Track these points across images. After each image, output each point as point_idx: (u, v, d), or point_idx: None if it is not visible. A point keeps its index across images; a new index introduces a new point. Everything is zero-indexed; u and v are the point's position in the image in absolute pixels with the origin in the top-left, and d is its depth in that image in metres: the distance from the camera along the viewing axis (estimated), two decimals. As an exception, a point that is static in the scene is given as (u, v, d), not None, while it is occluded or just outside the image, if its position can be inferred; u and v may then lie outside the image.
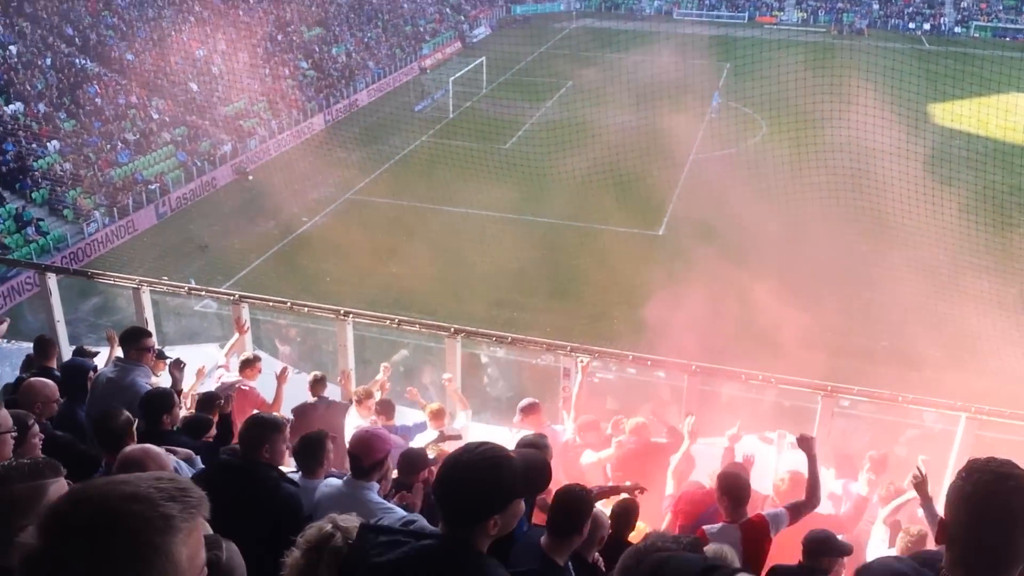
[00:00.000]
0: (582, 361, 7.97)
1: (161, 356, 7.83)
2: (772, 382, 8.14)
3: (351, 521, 3.20)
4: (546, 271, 24.61)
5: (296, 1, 49.12)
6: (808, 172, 22.60)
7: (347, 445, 5.56)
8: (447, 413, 8.14)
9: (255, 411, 7.40)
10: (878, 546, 6.76)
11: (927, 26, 60.01)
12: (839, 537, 5.51)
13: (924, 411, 8.46)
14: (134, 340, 6.33)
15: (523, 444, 4.98)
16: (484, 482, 2.59)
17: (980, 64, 31.82)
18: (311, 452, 5.11)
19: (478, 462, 2.62)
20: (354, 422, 8.22)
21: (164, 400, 5.75)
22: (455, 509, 2.61)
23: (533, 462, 2.83)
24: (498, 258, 25.40)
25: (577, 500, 4.24)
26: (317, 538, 3.00)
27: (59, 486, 2.61)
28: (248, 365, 8.42)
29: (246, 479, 4.50)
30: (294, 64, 43.90)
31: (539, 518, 4.87)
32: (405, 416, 8.95)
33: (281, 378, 8.18)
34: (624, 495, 5.72)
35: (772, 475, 8.33)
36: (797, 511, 5.64)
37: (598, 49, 28.64)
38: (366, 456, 4.61)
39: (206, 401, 6.70)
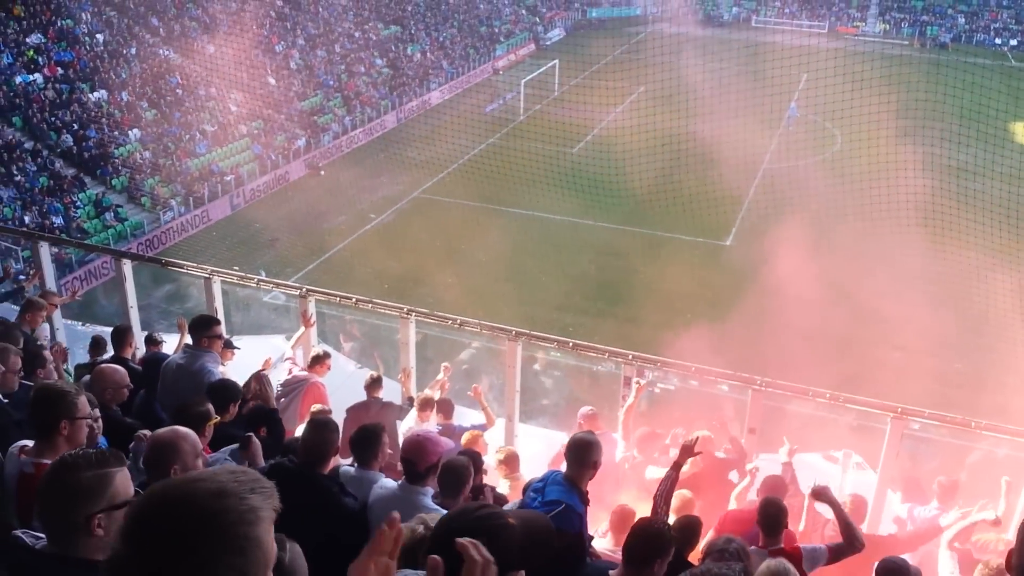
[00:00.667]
0: (638, 382, 7.85)
1: (229, 345, 7.99)
2: (839, 400, 7.95)
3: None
4: (610, 277, 24.48)
5: (373, -1, 49.80)
6: (882, 188, 22.05)
7: (399, 448, 5.58)
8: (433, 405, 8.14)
9: (316, 409, 7.46)
10: (945, 573, 6.56)
11: (1014, 42, 58.04)
12: (911, 564, 5.37)
13: (996, 436, 8.16)
14: (204, 328, 6.46)
15: (573, 441, 4.93)
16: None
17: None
18: (367, 443, 5.19)
19: (473, 527, 2.35)
20: (409, 421, 8.29)
21: (231, 390, 5.84)
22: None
23: (535, 529, 2.62)
24: (562, 262, 25.36)
25: (657, 535, 4.21)
26: (410, 540, 2.99)
27: (123, 475, 2.67)
28: (318, 361, 8.49)
29: (307, 487, 4.45)
30: (369, 61, 44.49)
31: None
32: (465, 417, 8.99)
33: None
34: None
35: (837, 494, 8.17)
36: (838, 554, 5.49)
37: (673, 54, 28.32)
38: (420, 460, 4.62)
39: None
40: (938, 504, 7.42)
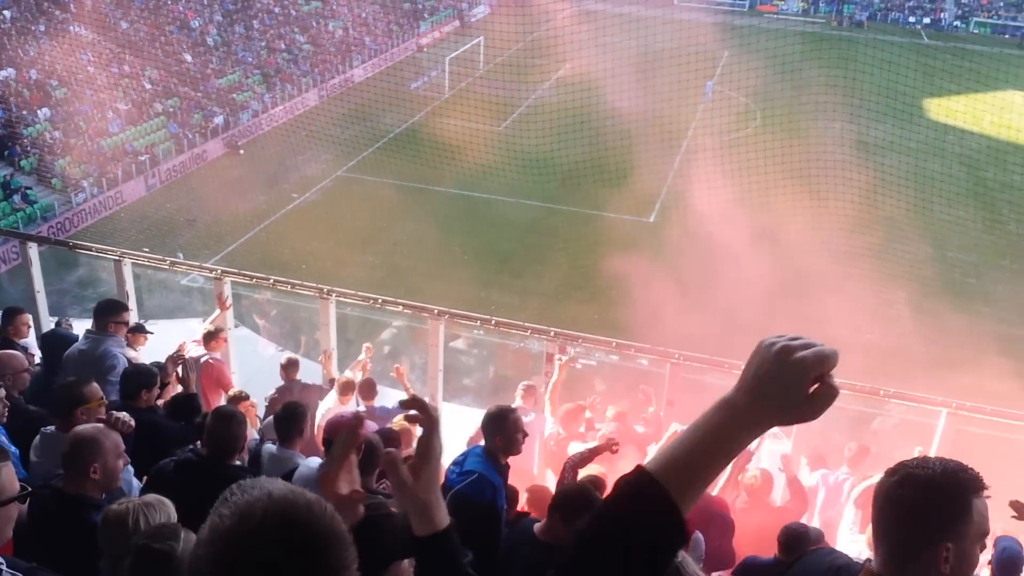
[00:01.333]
0: (560, 359, 7.92)
1: (140, 330, 7.76)
2: (736, 366, 8.13)
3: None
4: (535, 255, 24.59)
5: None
6: (800, 163, 22.57)
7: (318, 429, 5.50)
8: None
9: (232, 395, 7.32)
10: (847, 529, 6.83)
11: (927, 20, 59.89)
12: (811, 527, 5.55)
13: (894, 403, 8.47)
14: (109, 312, 6.25)
15: (486, 414, 5.03)
16: (359, 543, 2.41)
17: (978, 60, 31.81)
18: (290, 422, 5.23)
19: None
20: (328, 403, 8.19)
21: (144, 376, 5.65)
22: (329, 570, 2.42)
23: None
24: (488, 240, 25.34)
25: (584, 494, 4.28)
26: None
27: (8, 471, 2.57)
28: (211, 337, 8.31)
29: (217, 481, 4.37)
30: (290, 38, 43.55)
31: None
32: (388, 397, 8.93)
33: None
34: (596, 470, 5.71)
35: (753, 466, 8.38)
36: None
37: (596, 32, 28.44)
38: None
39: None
40: (848, 469, 7.70)
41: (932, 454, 7.20)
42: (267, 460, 5.28)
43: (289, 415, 5.31)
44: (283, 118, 37.29)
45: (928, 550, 2.02)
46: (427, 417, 1.78)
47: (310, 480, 4.57)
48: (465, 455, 5.07)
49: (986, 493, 2.09)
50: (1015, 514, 4.98)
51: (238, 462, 4.75)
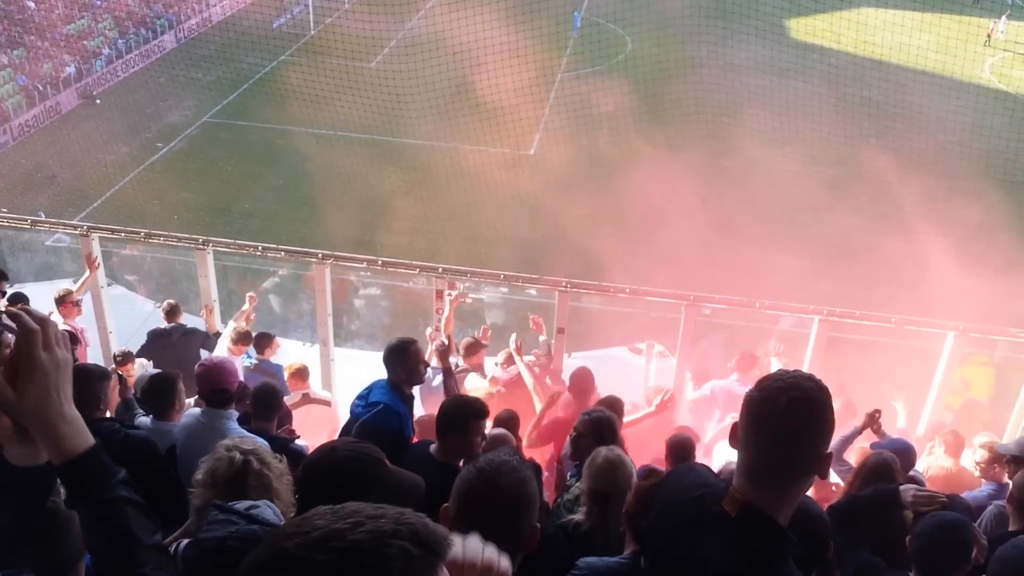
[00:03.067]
0: (450, 294, 7.91)
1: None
2: (639, 295, 8.36)
3: (256, 441, 3.13)
4: (417, 193, 24.30)
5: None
6: (672, 88, 22.96)
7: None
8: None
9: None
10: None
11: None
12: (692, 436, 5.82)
13: (780, 315, 8.87)
14: None
15: (391, 346, 5.12)
16: (343, 474, 2.49)
17: (833, -21, 32.78)
18: (160, 393, 4.90)
19: (347, 454, 2.54)
20: (219, 352, 7.99)
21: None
22: (309, 495, 2.48)
23: (407, 480, 2.68)
24: (367, 181, 24.86)
25: (462, 404, 4.38)
26: (229, 469, 2.95)
27: None
28: (60, 303, 7.80)
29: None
30: (139, -22, 41.04)
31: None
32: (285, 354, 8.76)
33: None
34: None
35: (643, 384, 8.66)
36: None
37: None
38: (216, 383, 4.52)
39: None
40: (738, 376, 8.03)
41: (807, 359, 7.64)
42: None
43: (156, 388, 4.94)
44: (140, 64, 35.33)
45: (816, 462, 2.06)
46: (22, 327, 1.59)
47: (191, 429, 4.49)
48: (369, 388, 5.14)
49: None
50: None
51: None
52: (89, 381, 4.29)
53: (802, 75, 25.21)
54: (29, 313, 1.61)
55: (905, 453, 5.41)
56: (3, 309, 4.50)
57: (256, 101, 29.11)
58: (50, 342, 1.60)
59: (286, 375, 7.66)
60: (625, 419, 6.17)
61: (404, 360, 5.03)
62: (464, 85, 25.13)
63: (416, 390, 5.51)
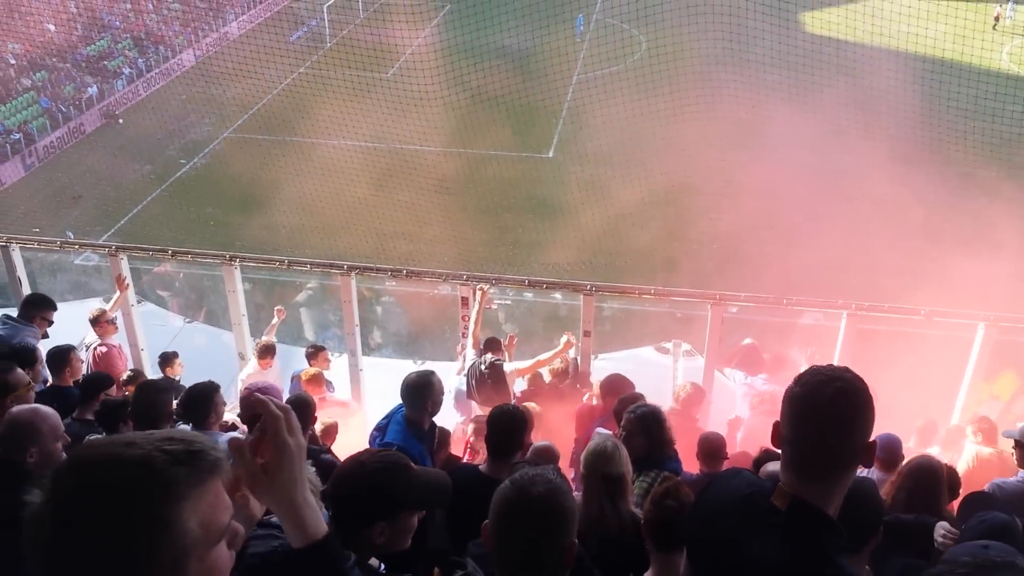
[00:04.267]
0: (482, 288, 7.99)
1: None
2: (664, 295, 8.38)
3: None
4: (439, 200, 24.39)
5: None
6: (689, 87, 22.89)
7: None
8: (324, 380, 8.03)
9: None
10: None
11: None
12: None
13: (807, 311, 8.83)
14: (39, 307, 6.36)
15: (407, 383, 5.03)
16: (375, 486, 2.53)
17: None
18: (198, 405, 5.00)
19: (376, 466, 2.59)
20: (249, 370, 8.09)
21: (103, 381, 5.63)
22: (342, 509, 2.54)
23: (435, 480, 2.78)
24: (389, 190, 25.00)
25: (511, 418, 4.38)
26: None
27: None
28: (96, 323, 7.91)
29: None
30: (157, -2, 41.54)
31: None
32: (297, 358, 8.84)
33: None
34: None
35: (671, 383, 8.67)
36: None
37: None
38: (250, 414, 4.53)
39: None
40: (766, 375, 8.02)
41: (837, 354, 7.62)
42: None
43: (193, 398, 5.05)
44: (160, 82, 35.77)
45: (860, 453, 2.10)
46: (268, 415, 1.70)
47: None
48: (388, 419, 5.07)
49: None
50: None
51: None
52: (159, 396, 4.43)
53: (819, 68, 25.04)
54: (272, 400, 1.71)
55: (891, 446, 5.43)
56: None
57: (276, 114, 29.36)
58: (293, 427, 1.72)
59: (302, 382, 7.75)
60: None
61: (427, 396, 4.97)
62: (479, 92, 25.20)
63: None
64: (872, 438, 2.12)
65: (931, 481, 4.25)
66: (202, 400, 4.98)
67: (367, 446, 5.02)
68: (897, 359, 8.89)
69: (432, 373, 5.20)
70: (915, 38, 26.59)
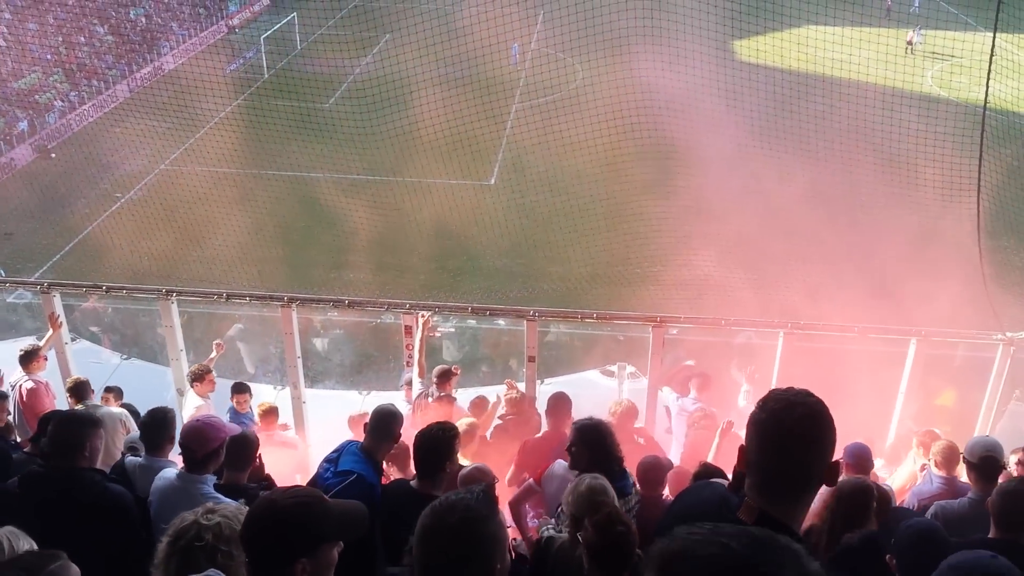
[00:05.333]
0: (423, 316, 7.98)
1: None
2: (607, 319, 8.47)
3: (225, 512, 3.08)
4: (382, 229, 24.30)
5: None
6: (625, 114, 23.23)
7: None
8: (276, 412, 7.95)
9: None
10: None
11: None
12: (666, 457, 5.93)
13: (744, 331, 9.01)
14: None
15: (376, 414, 5.06)
16: (291, 523, 2.47)
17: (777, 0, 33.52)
18: (157, 428, 5.03)
19: (289, 502, 2.52)
20: (193, 403, 7.93)
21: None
22: (259, 551, 2.48)
23: (351, 509, 2.75)
24: (332, 219, 24.83)
25: (436, 440, 4.47)
26: (196, 532, 2.94)
27: None
28: (28, 359, 7.76)
29: (64, 485, 4.17)
30: (89, 30, 40.86)
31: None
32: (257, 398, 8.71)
33: None
34: None
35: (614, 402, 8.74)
36: None
37: (412, 1, 28.18)
38: (199, 447, 4.45)
39: None
40: (696, 395, 8.18)
41: (775, 372, 7.77)
42: (131, 471, 5.04)
43: (151, 422, 5.06)
44: (94, 115, 35.12)
45: (823, 472, 2.17)
46: None
47: (164, 492, 4.41)
48: (339, 451, 5.00)
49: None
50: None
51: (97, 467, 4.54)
52: (74, 428, 4.32)
53: (752, 95, 25.66)
54: None
55: (863, 454, 5.60)
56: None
57: (213, 146, 29.00)
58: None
59: (256, 414, 7.65)
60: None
61: (392, 432, 4.97)
62: (420, 121, 25.26)
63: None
64: (836, 457, 2.21)
65: (863, 502, 4.37)
66: (157, 424, 4.98)
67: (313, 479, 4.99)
68: (835, 376, 9.10)
69: (397, 409, 5.22)
70: (841, 64, 27.42)
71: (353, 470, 4.70)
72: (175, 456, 5.76)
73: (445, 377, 7.79)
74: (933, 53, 40.13)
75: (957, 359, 8.93)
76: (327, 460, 4.97)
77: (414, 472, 4.70)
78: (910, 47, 40.36)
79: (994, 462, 5.12)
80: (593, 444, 4.68)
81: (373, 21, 30.91)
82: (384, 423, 4.96)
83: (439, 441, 4.44)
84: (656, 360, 8.00)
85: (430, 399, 7.60)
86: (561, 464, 5.27)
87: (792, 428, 2.13)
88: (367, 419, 8.07)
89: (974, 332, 7.90)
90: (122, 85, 37.75)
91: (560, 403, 6.93)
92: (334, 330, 12.85)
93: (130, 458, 5.16)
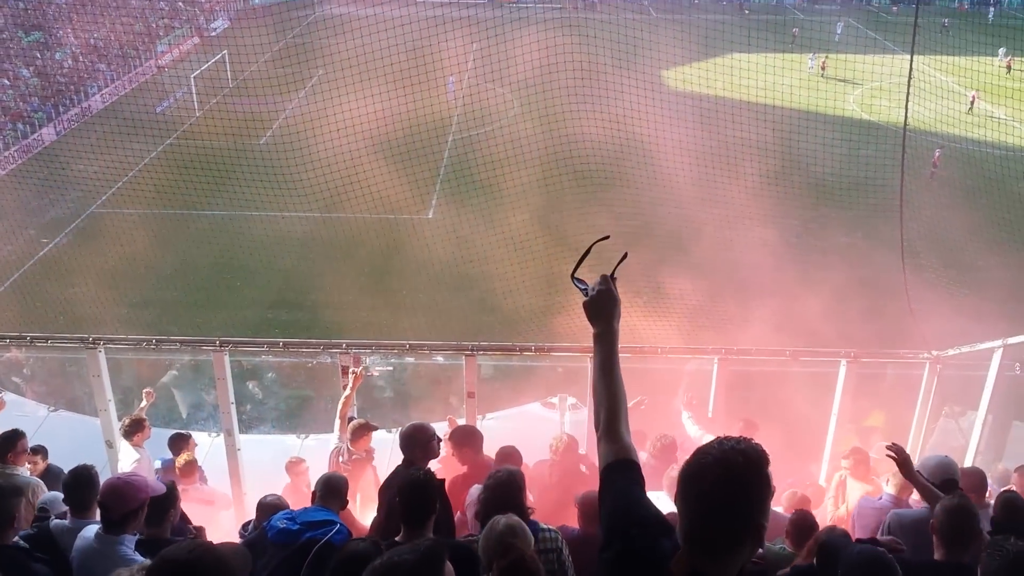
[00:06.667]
0: (355, 372, 7.81)
1: None
2: (544, 352, 8.46)
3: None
4: (318, 268, 24.09)
5: (8, 5, 44.63)
6: (559, 145, 23.50)
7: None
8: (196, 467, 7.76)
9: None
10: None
11: (655, -5, 64.21)
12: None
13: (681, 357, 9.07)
14: None
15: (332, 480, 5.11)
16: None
17: (703, 30, 34.38)
18: (81, 488, 4.77)
19: (188, 558, 2.65)
20: (130, 457, 7.68)
21: None
22: None
23: (239, 551, 2.99)
24: (267, 259, 24.52)
25: (421, 485, 4.32)
26: None
27: None
28: None
29: None
30: (14, 73, 39.98)
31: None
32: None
33: None
34: None
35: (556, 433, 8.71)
36: None
37: (343, 35, 28.14)
38: (116, 506, 4.27)
39: None
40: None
41: (711, 397, 7.84)
42: (58, 535, 4.76)
43: (74, 483, 4.80)
44: (19, 160, 34.24)
45: (748, 536, 2.05)
46: None
47: (84, 552, 4.23)
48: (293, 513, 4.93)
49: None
50: (893, 456, 5.02)
51: (16, 539, 4.35)
52: (8, 499, 4.15)
53: (681, 122, 26.16)
54: None
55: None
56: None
57: (144, 188, 28.47)
58: None
59: (176, 468, 7.46)
60: None
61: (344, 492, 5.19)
62: (355, 154, 25.16)
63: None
64: (765, 518, 2.04)
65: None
66: (80, 484, 4.76)
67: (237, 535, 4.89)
68: (770, 399, 9.23)
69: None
70: (766, 91, 28.14)
71: (332, 520, 4.72)
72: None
73: (360, 433, 7.46)
74: (843, 80, 41.61)
75: (887, 378, 9.12)
76: (286, 517, 4.82)
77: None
78: (823, 71, 42.18)
79: (955, 484, 5.07)
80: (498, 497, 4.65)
81: (304, 57, 30.78)
82: (338, 490, 5.13)
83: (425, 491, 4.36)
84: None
85: (341, 459, 7.44)
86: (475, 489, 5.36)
87: (709, 488, 2.02)
88: (301, 466, 7.95)
89: (902, 351, 8.08)
90: (49, 128, 36.95)
91: (512, 456, 6.82)
92: (268, 373, 12.62)
93: (55, 521, 4.91)
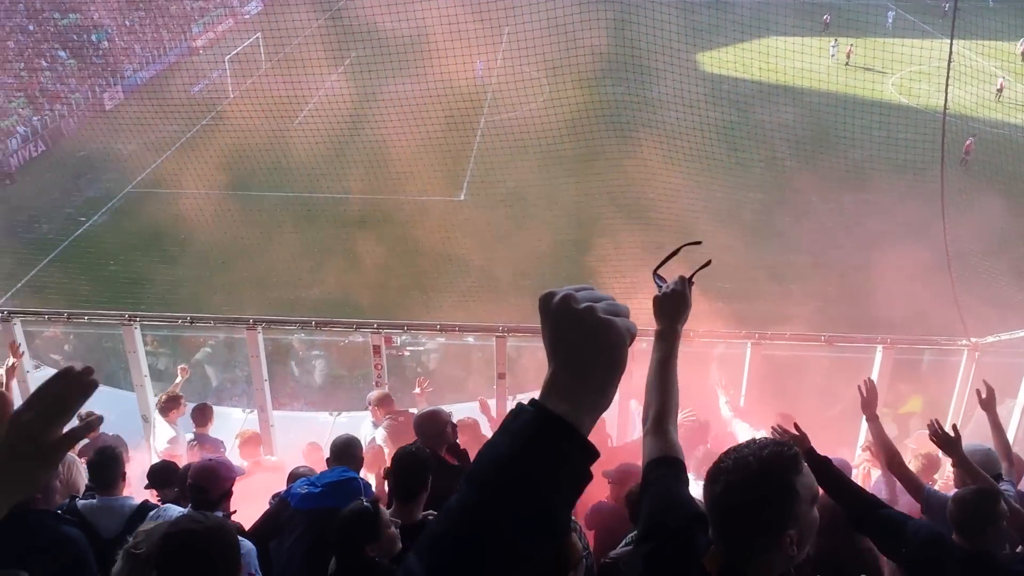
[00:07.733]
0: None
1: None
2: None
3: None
4: (353, 247, 24.19)
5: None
6: (592, 128, 23.35)
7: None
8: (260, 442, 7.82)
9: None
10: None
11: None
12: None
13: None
14: None
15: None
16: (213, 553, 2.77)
17: (740, 12, 33.92)
18: (108, 466, 4.80)
19: (205, 532, 2.78)
20: (165, 434, 7.78)
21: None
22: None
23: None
24: (299, 239, 24.69)
25: (413, 460, 4.36)
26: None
27: None
28: None
29: (19, 532, 3.91)
30: (51, 55, 40.44)
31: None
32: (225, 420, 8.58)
33: None
34: None
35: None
36: None
37: (378, 15, 28.14)
38: (213, 487, 4.38)
39: None
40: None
41: (744, 381, 7.76)
42: (87, 514, 4.69)
43: (101, 462, 4.83)
44: (57, 139, 34.70)
45: (773, 542, 2.03)
46: None
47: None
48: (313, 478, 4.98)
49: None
50: (935, 438, 4.82)
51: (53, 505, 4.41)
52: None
53: (716, 105, 25.91)
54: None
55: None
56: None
57: (179, 168, 28.76)
58: None
59: (237, 443, 7.52)
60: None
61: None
62: (388, 135, 25.21)
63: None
64: (792, 526, 1.99)
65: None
66: (107, 463, 4.78)
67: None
68: (805, 384, 9.13)
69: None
70: (804, 73, 27.75)
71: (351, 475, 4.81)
72: (143, 492, 5.66)
73: (386, 403, 7.61)
74: (870, 68, 40.65)
75: (924, 364, 8.98)
76: (308, 482, 4.88)
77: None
78: (848, 59, 40.93)
79: (998, 479, 5.01)
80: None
81: (338, 39, 30.80)
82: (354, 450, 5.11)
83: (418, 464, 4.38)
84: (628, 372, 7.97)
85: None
86: None
87: (720, 496, 2.06)
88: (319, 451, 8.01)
89: (940, 338, 7.95)
90: (86, 108, 37.38)
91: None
92: (302, 351, 12.70)
93: (82, 501, 4.86)
